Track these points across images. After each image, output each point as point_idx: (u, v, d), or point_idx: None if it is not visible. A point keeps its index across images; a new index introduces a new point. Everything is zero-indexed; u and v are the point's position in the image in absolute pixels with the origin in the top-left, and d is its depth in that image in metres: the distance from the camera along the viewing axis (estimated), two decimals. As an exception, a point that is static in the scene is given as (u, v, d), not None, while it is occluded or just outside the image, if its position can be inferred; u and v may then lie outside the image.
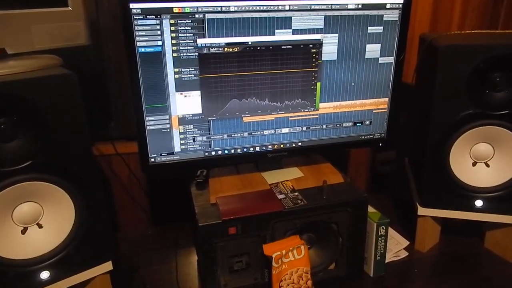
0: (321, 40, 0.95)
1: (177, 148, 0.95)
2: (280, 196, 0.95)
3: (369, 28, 0.98)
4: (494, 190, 1.01)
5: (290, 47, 0.94)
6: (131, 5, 0.81)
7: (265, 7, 0.89)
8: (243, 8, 0.88)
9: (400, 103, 1.07)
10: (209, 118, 0.95)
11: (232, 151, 1.00)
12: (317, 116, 1.02)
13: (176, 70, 0.88)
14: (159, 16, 0.84)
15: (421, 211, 1.07)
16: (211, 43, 0.88)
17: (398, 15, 0.98)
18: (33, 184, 0.75)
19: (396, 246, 1.13)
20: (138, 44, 0.84)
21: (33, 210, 0.77)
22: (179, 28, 0.86)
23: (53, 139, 0.75)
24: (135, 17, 0.82)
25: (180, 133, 0.94)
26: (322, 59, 0.97)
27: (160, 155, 0.94)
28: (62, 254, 0.80)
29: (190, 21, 0.86)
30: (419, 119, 1.09)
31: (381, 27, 0.98)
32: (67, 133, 0.76)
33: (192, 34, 0.87)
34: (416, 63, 1.13)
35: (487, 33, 1.19)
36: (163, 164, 0.95)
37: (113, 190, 1.23)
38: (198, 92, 0.92)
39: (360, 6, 0.95)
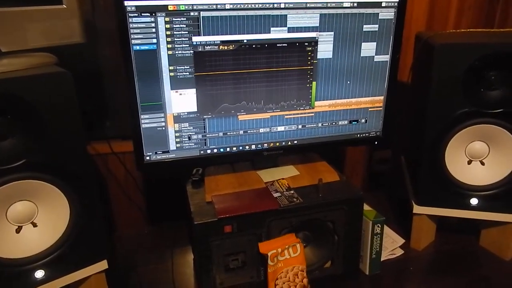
0: (317, 38, 0.95)
1: (172, 146, 0.95)
2: (276, 195, 0.95)
3: (364, 26, 0.97)
4: (489, 188, 1.01)
5: (286, 45, 0.94)
6: (126, 3, 0.81)
7: (260, 5, 0.89)
8: (239, 5, 0.88)
9: (396, 102, 1.07)
10: (205, 116, 0.95)
11: (228, 149, 0.99)
12: (313, 114, 1.02)
13: (171, 68, 0.88)
14: (154, 14, 0.83)
15: (417, 209, 1.07)
16: (206, 41, 0.88)
17: (393, 13, 0.98)
18: (28, 182, 0.74)
19: (391, 244, 1.13)
20: (133, 42, 0.84)
21: (27, 209, 0.77)
22: (174, 26, 0.85)
23: (47, 137, 0.74)
24: (129, 14, 0.82)
25: (176, 131, 0.94)
26: (318, 57, 0.97)
27: (156, 153, 0.94)
28: (57, 253, 0.80)
29: (185, 18, 0.85)
30: (415, 117, 1.09)
31: (377, 25, 0.98)
32: (62, 131, 0.75)
33: (187, 32, 0.87)
34: (412, 61, 1.13)
35: (483, 31, 1.20)
36: (159, 163, 0.95)
37: (109, 189, 1.23)
38: (194, 90, 0.91)
39: (355, 4, 0.95)
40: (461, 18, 1.39)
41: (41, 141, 0.74)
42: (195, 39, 0.87)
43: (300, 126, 1.02)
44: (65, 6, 0.78)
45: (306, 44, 0.95)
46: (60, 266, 0.81)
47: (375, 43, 1.00)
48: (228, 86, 0.93)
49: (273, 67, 0.95)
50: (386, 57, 1.02)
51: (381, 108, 1.07)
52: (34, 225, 0.78)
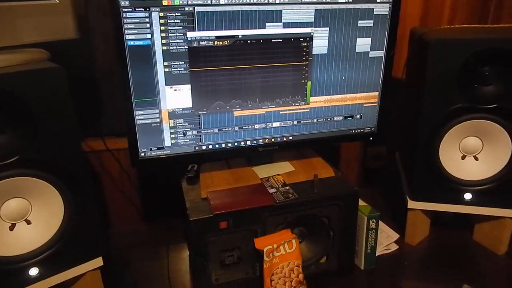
0: (312, 33, 0.95)
1: (167, 142, 0.94)
2: (271, 190, 0.95)
3: (359, 22, 0.97)
4: (483, 183, 1.02)
5: (281, 40, 0.93)
6: (120, -2, 0.80)
7: (255, 0, 0.89)
8: (233, 1, 0.87)
9: (391, 98, 1.07)
10: (200, 112, 0.94)
11: (223, 145, 0.99)
12: (308, 110, 1.02)
13: (166, 63, 0.88)
14: (148, 9, 0.83)
15: (411, 204, 1.08)
16: (201, 36, 0.88)
17: (388, 9, 0.99)
18: (21, 179, 0.74)
19: (386, 239, 1.14)
20: (127, 37, 0.83)
21: (21, 206, 0.76)
22: (169, 21, 0.85)
23: (41, 134, 0.73)
24: (123, 9, 0.81)
25: (170, 127, 0.93)
26: (313, 53, 0.97)
27: (150, 149, 0.94)
28: (51, 251, 0.79)
29: (179, 14, 0.85)
30: (409, 113, 1.10)
31: (372, 21, 0.98)
32: (55, 128, 0.75)
33: (181, 27, 0.86)
34: (407, 57, 1.14)
35: (477, 27, 1.20)
36: (154, 159, 0.95)
37: (104, 186, 1.23)
38: (188, 86, 0.91)
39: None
40: (455, 14, 1.40)
41: (34, 138, 0.73)
42: (190, 34, 0.87)
43: (295, 122, 1.02)
44: (57, 1, 0.77)
45: (301, 39, 0.95)
46: (55, 263, 0.80)
47: (370, 38, 1.00)
48: (223, 82, 0.93)
49: (268, 63, 0.94)
50: (381, 53, 1.02)
51: (376, 104, 1.07)
52: (28, 222, 0.77)
